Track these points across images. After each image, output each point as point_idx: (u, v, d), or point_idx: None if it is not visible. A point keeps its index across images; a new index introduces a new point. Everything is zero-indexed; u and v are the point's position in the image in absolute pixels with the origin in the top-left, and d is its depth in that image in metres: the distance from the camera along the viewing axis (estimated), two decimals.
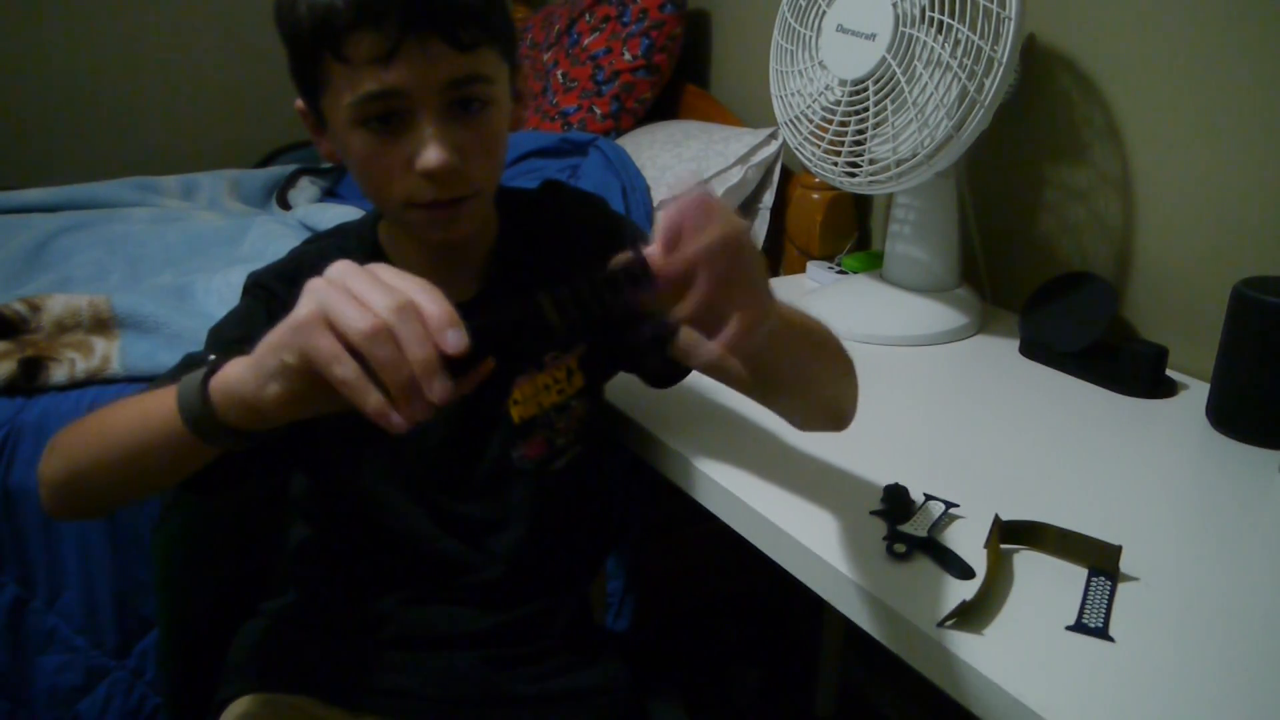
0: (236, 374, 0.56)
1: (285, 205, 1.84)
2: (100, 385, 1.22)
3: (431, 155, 0.71)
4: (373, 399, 0.50)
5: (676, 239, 0.53)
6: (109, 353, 1.24)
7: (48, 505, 0.70)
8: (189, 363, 0.74)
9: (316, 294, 0.52)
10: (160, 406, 0.61)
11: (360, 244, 0.85)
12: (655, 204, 1.49)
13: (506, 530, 0.87)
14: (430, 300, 0.50)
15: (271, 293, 0.81)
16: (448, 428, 0.84)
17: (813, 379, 0.74)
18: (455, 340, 0.49)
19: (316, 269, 0.82)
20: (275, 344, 0.54)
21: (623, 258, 0.53)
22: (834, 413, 0.79)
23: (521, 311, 0.53)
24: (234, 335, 0.79)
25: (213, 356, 0.60)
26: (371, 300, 0.50)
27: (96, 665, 1.21)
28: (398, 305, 0.50)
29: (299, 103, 0.79)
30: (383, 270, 0.52)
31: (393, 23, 0.68)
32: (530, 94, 0.85)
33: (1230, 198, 1.05)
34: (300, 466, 0.89)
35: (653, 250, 0.53)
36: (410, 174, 0.73)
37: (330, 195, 1.89)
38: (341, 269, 0.52)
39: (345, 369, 0.50)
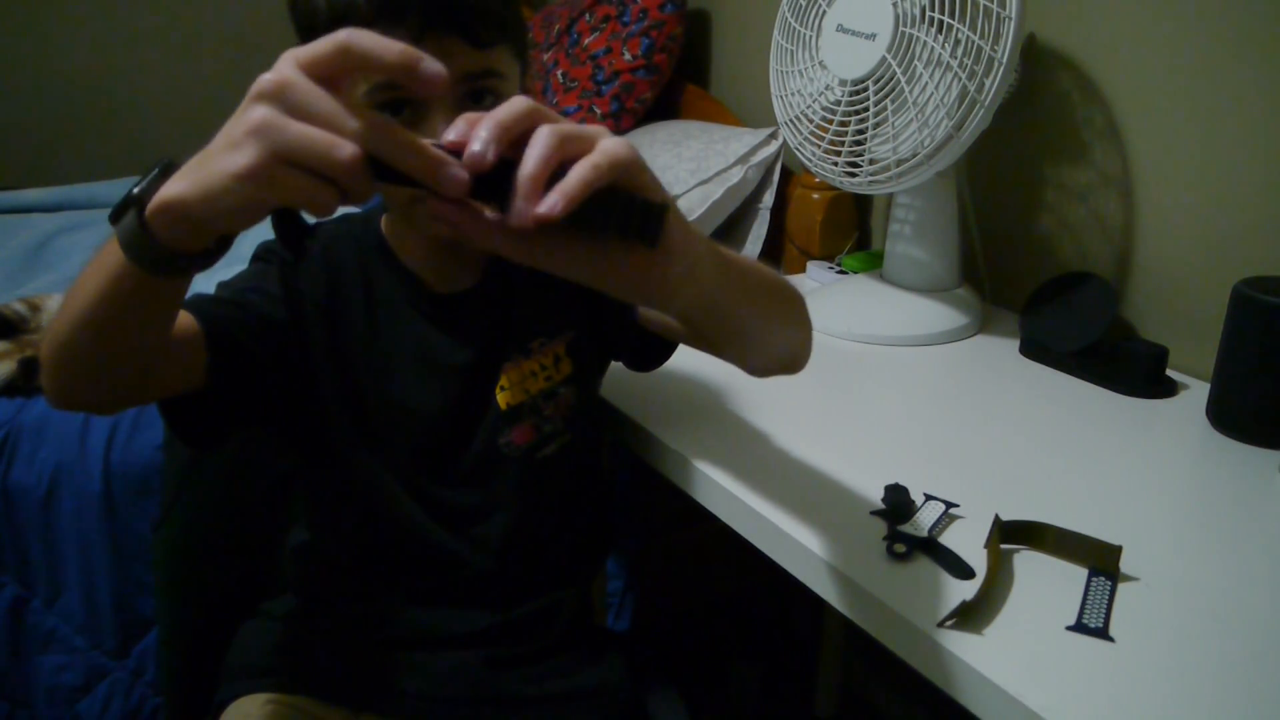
0: (178, 189, 0.50)
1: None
2: None
3: None
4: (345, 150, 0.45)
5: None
6: None
7: (50, 396, 0.66)
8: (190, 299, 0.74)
9: (271, 98, 0.45)
10: (108, 249, 0.56)
11: (365, 230, 0.86)
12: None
13: (494, 518, 0.87)
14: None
15: (283, 260, 0.82)
16: (438, 415, 0.84)
17: (763, 324, 0.72)
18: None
19: (328, 248, 0.84)
20: (223, 149, 0.47)
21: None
22: (787, 357, 0.78)
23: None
24: (246, 285, 0.80)
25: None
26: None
27: (96, 665, 1.21)
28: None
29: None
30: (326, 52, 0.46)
31: (412, 20, 0.69)
32: (534, 93, 0.86)
33: (1230, 197, 1.05)
34: (293, 448, 0.89)
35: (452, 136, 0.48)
36: None
37: None
38: (284, 65, 0.46)
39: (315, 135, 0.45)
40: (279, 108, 0.45)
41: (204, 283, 0.69)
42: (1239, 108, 1.03)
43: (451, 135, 0.47)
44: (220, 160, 0.46)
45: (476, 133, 0.47)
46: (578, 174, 0.47)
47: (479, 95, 0.74)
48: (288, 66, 0.45)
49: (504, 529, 0.86)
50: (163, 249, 0.52)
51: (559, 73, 1.82)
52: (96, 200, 1.74)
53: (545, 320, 0.87)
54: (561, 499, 0.91)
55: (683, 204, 1.49)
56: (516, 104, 0.48)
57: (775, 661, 1.73)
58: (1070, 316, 1.09)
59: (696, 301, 0.60)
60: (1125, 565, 0.73)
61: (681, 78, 1.81)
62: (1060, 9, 1.17)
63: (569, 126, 0.48)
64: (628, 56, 1.72)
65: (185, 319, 0.71)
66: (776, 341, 0.76)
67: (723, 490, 0.85)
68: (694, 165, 1.51)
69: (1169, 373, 1.06)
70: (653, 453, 0.94)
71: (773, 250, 1.55)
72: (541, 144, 0.47)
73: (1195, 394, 1.03)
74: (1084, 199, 1.20)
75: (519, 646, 0.88)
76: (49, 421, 1.19)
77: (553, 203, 0.46)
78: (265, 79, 0.45)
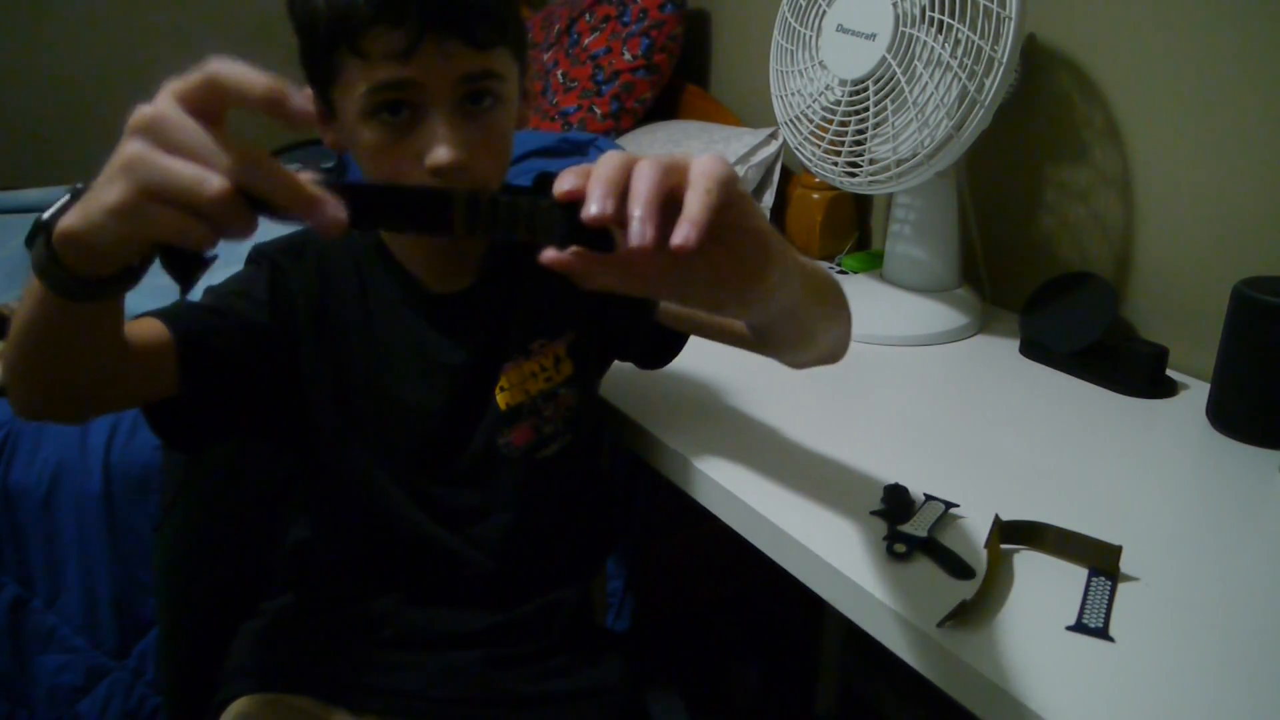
0: (71, 220, 0.49)
1: None
2: None
3: (441, 153, 0.72)
4: (212, 182, 0.44)
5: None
6: None
7: (14, 409, 0.67)
8: (178, 307, 0.75)
9: (145, 132, 0.45)
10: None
11: (361, 234, 0.86)
12: None
13: (493, 518, 0.87)
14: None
15: (275, 264, 0.83)
16: (436, 415, 0.84)
17: (824, 324, 0.73)
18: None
19: (322, 252, 0.83)
20: (103, 182, 0.47)
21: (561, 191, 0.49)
22: (832, 351, 0.80)
23: (434, 197, 0.48)
24: (231, 290, 0.81)
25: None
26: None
27: (96, 665, 1.21)
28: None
29: (305, 91, 0.79)
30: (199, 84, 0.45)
31: (412, 21, 0.69)
32: (533, 93, 0.86)
33: (1230, 197, 1.05)
34: (290, 447, 0.89)
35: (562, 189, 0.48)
36: (419, 169, 0.73)
37: None
38: (162, 98, 0.46)
39: (181, 166, 0.44)
40: (151, 141, 0.44)
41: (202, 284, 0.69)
42: (1239, 108, 1.03)
43: (566, 186, 0.48)
44: (98, 194, 0.46)
45: (591, 193, 0.47)
46: (699, 202, 0.47)
47: (478, 96, 0.74)
48: (163, 98, 0.45)
49: (503, 529, 0.86)
50: (72, 276, 0.52)
51: (559, 73, 1.82)
52: None
53: (546, 321, 0.87)
54: (561, 500, 0.91)
55: None
56: (613, 160, 0.48)
57: (775, 661, 1.73)
58: (1070, 317, 1.09)
59: (783, 307, 0.61)
60: (1125, 565, 0.73)
61: (681, 78, 1.81)
62: (1060, 9, 1.17)
63: (663, 160, 0.49)
64: (628, 56, 1.72)
65: (155, 327, 0.72)
66: (829, 339, 0.77)
67: (723, 490, 0.85)
68: None
69: (1169, 373, 1.06)
70: (653, 453, 0.94)
71: None
72: (648, 180, 0.47)
73: (1195, 394, 1.03)
74: (1084, 199, 1.20)
75: (519, 646, 0.88)
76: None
77: (685, 234, 0.46)
78: (141, 111, 0.45)
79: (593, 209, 0.47)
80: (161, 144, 0.44)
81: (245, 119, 0.47)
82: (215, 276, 0.78)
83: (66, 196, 0.52)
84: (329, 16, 0.70)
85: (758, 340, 0.76)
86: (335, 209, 0.45)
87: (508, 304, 0.86)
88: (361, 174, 0.78)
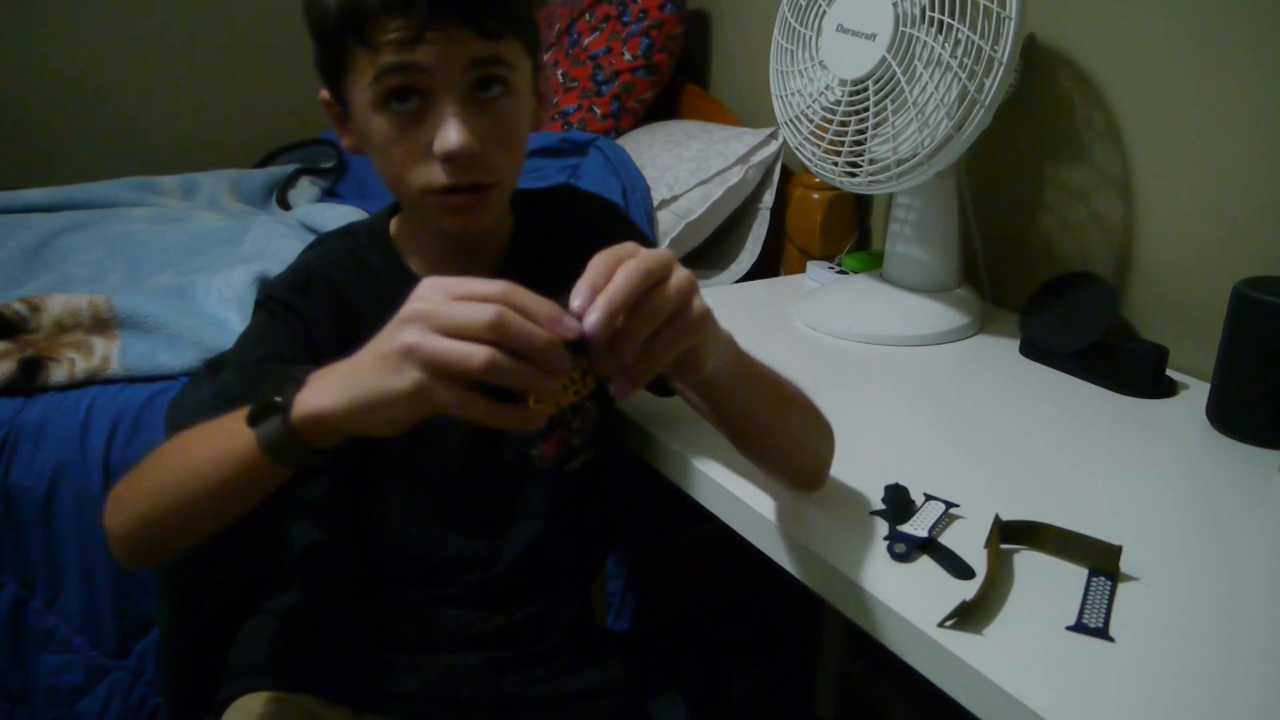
0: (325, 403, 0.58)
1: (285, 205, 1.84)
2: (100, 385, 1.22)
3: (451, 136, 0.72)
4: (508, 412, 0.56)
5: (595, 294, 0.57)
6: (109, 353, 1.24)
7: (123, 558, 0.72)
8: (227, 395, 0.74)
9: (418, 319, 0.54)
10: (232, 440, 0.63)
11: (371, 241, 0.85)
12: (655, 204, 1.49)
13: (518, 529, 0.87)
14: (527, 296, 0.55)
15: (288, 305, 0.81)
16: (465, 426, 0.84)
17: (784, 431, 0.77)
18: (569, 326, 0.55)
19: (330, 278, 0.82)
20: (376, 369, 0.56)
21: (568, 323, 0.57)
22: (810, 470, 0.81)
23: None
24: (261, 354, 0.79)
25: (275, 398, 0.62)
26: (469, 314, 0.53)
27: (96, 665, 1.21)
28: (496, 315, 0.53)
29: (324, 93, 0.79)
30: (466, 283, 0.55)
31: (420, 9, 0.69)
32: (551, 95, 0.87)
33: (1230, 197, 1.05)
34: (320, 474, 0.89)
35: (578, 307, 0.56)
36: (429, 159, 0.74)
37: (330, 195, 1.88)
38: (429, 293, 0.55)
39: (464, 396, 0.54)
40: (424, 326, 0.54)
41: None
42: (1239, 107, 1.03)
43: (576, 303, 0.56)
44: (377, 380, 0.56)
45: (595, 308, 0.56)
46: (665, 350, 0.60)
47: (487, 83, 0.74)
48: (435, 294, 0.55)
49: (527, 539, 0.87)
50: (307, 449, 0.61)
51: (559, 73, 1.82)
52: (96, 200, 1.74)
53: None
54: (581, 513, 0.91)
55: (683, 204, 1.49)
56: (620, 282, 0.56)
57: (775, 661, 1.73)
58: (1070, 317, 1.09)
59: (716, 372, 0.68)
60: (1125, 565, 0.73)
61: (681, 78, 1.81)
62: (1060, 9, 1.17)
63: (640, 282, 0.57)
64: (628, 56, 1.72)
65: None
66: (801, 450, 0.79)
67: (723, 490, 0.85)
68: (694, 165, 1.51)
69: (1169, 373, 1.06)
70: (653, 453, 0.94)
71: (773, 250, 1.55)
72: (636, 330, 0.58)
73: (1195, 394, 1.03)
74: (1084, 199, 1.20)
75: (520, 648, 0.88)
76: (49, 422, 1.19)
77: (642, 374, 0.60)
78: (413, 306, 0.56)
79: (593, 318, 0.56)
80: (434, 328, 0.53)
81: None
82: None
83: (292, 383, 0.61)
84: (339, 11, 0.71)
85: (714, 416, 0.77)
86: (561, 356, 0.55)
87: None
88: (375, 171, 0.78)
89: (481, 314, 0.53)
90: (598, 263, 0.58)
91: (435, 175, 0.74)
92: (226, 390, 0.76)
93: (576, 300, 0.56)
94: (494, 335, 0.52)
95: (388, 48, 0.70)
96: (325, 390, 0.59)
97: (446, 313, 0.53)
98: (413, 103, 0.72)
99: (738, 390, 0.72)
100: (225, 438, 0.64)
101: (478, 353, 0.52)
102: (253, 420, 0.62)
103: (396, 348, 0.54)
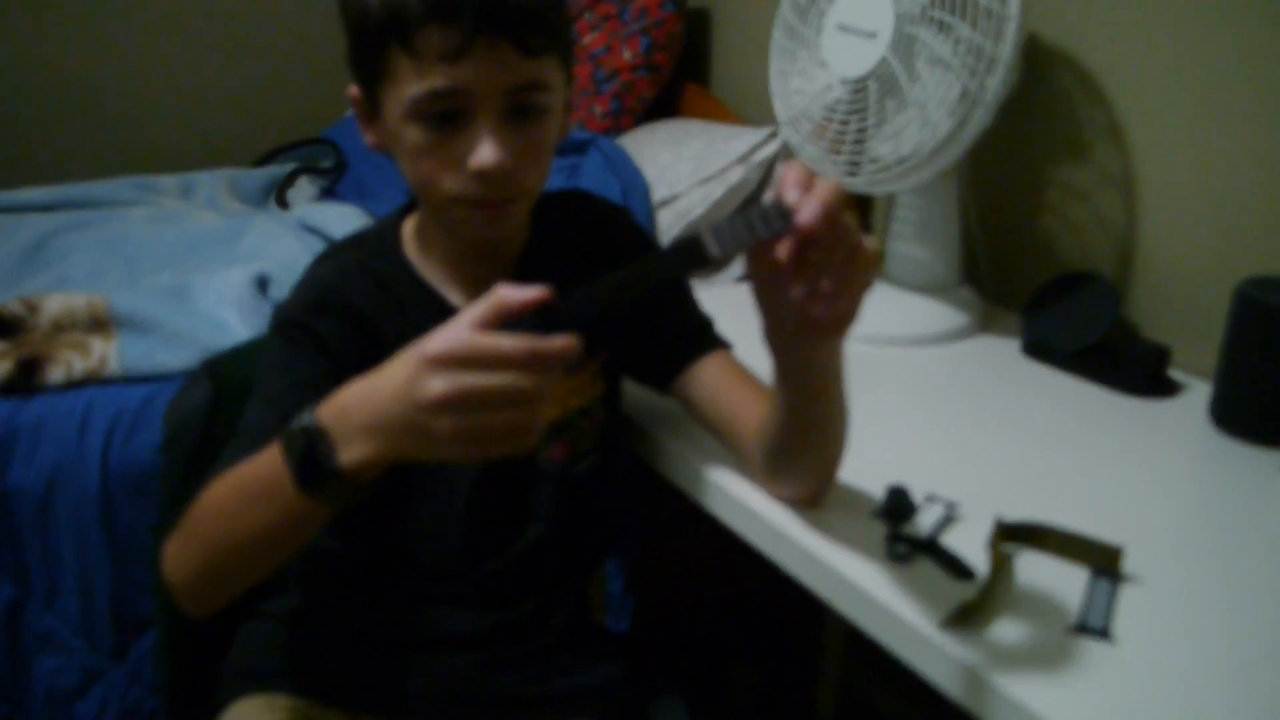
0: (375, 451, 0.61)
1: (284, 204, 1.83)
2: (98, 385, 1.22)
3: (487, 155, 0.72)
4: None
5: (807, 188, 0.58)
6: (107, 353, 1.23)
7: (189, 608, 0.74)
8: (264, 432, 0.73)
9: (439, 380, 0.56)
10: (276, 489, 0.65)
11: (381, 250, 0.85)
12: (655, 203, 1.49)
13: (525, 532, 0.87)
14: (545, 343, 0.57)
15: (306, 328, 0.80)
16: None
17: (827, 445, 0.77)
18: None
19: (343, 293, 0.82)
20: (411, 420, 0.59)
21: (771, 198, 0.58)
22: (818, 492, 0.81)
23: (684, 250, 0.57)
24: (289, 382, 0.78)
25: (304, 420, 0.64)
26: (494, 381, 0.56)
27: (93, 667, 1.21)
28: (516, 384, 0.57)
29: (353, 89, 0.79)
30: (481, 340, 0.56)
31: (465, 21, 0.69)
32: (571, 104, 0.88)
33: (1233, 197, 1.05)
34: None
35: (793, 200, 0.57)
36: (462, 171, 0.74)
37: (329, 195, 1.88)
38: (440, 350, 0.57)
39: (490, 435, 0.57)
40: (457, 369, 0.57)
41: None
42: (1241, 107, 1.03)
43: (792, 196, 0.58)
44: (420, 429, 0.58)
45: (809, 202, 0.57)
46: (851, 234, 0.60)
47: (523, 110, 0.74)
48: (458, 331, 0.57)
49: (533, 541, 0.87)
50: (355, 486, 0.63)
51: None
52: (94, 200, 1.74)
53: (581, 338, 0.87)
54: (586, 516, 0.91)
55: (683, 203, 1.48)
56: (829, 185, 0.58)
57: (776, 663, 1.73)
58: (1072, 316, 1.09)
59: (815, 375, 0.70)
60: (1127, 566, 0.73)
61: (682, 77, 1.81)
62: (1062, 8, 1.17)
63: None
64: (628, 55, 1.71)
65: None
66: (824, 453, 0.79)
67: (723, 492, 0.85)
68: (694, 164, 1.50)
69: (1171, 373, 1.05)
70: (654, 454, 0.94)
71: None
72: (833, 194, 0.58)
73: (1197, 394, 1.02)
74: (1086, 198, 1.20)
75: (517, 647, 0.88)
76: (47, 422, 1.18)
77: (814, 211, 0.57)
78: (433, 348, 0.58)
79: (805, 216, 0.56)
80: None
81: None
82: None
83: (325, 444, 0.63)
84: (381, 14, 0.71)
85: (782, 421, 0.76)
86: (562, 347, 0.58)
87: None
88: (402, 173, 0.78)
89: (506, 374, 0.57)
90: (791, 172, 0.58)
91: (467, 187, 0.74)
92: (261, 428, 0.75)
93: (792, 194, 0.57)
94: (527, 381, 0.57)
95: (432, 61, 0.70)
96: (364, 437, 0.61)
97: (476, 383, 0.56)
98: (450, 118, 0.73)
99: (828, 388, 0.72)
100: (275, 492, 0.65)
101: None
102: (311, 484, 0.64)
103: (440, 397, 0.57)
